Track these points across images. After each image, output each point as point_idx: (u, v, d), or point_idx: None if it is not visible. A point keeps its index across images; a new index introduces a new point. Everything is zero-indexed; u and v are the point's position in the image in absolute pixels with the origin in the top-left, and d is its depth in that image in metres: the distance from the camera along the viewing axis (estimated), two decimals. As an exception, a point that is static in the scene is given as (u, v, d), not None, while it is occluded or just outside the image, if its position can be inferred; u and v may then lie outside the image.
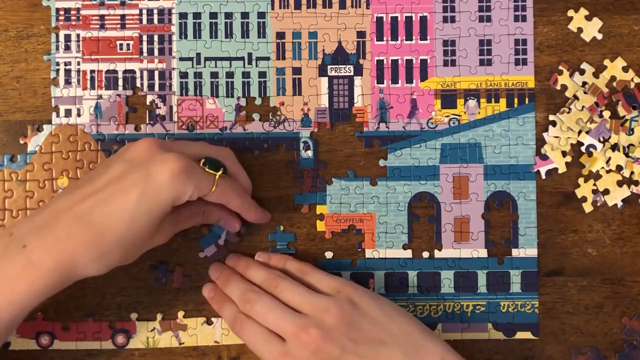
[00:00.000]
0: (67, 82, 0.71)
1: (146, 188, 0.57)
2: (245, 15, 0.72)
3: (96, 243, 0.57)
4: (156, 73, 0.71)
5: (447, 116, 0.71)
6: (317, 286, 0.64)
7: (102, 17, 0.71)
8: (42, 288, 0.57)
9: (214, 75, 0.71)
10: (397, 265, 0.70)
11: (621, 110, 0.71)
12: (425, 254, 0.70)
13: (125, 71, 0.71)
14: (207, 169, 0.60)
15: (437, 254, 0.70)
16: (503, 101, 0.72)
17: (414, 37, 0.72)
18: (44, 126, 0.71)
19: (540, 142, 0.71)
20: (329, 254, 0.70)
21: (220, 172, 0.61)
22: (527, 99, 0.71)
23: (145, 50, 0.72)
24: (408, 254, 0.70)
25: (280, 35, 0.72)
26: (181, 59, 0.72)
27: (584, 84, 0.71)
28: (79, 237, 0.56)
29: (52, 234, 0.56)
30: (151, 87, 0.71)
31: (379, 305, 0.62)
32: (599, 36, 0.72)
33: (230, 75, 0.72)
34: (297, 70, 0.72)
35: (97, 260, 0.57)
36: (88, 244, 0.56)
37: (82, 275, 0.58)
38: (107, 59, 0.71)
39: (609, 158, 0.71)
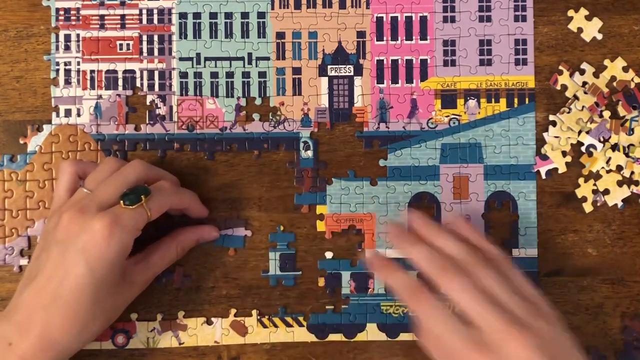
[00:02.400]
0: (67, 82, 0.71)
1: (88, 260, 0.58)
2: (245, 15, 0.72)
3: (72, 323, 0.59)
4: (156, 73, 0.71)
5: (447, 116, 0.71)
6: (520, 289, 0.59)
7: (102, 17, 0.71)
8: None
9: (214, 75, 0.71)
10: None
11: (621, 110, 0.71)
12: (425, 254, 0.70)
13: (125, 71, 0.71)
14: (130, 207, 0.60)
15: (437, 254, 0.70)
16: (503, 101, 0.71)
17: (414, 37, 0.72)
18: (44, 126, 0.71)
19: (540, 142, 0.71)
20: (329, 254, 0.70)
21: (143, 200, 0.60)
22: (527, 99, 0.71)
23: (145, 50, 0.72)
24: (408, 254, 0.70)
25: (280, 35, 0.72)
26: (181, 59, 0.72)
27: (584, 84, 0.71)
28: (55, 324, 0.59)
29: (32, 328, 0.58)
30: (151, 87, 0.71)
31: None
32: (599, 36, 0.72)
33: (230, 75, 0.72)
34: (297, 70, 0.72)
35: (79, 337, 0.60)
36: (65, 326, 0.59)
37: (73, 353, 0.61)
38: (107, 59, 0.71)
39: (609, 158, 0.71)
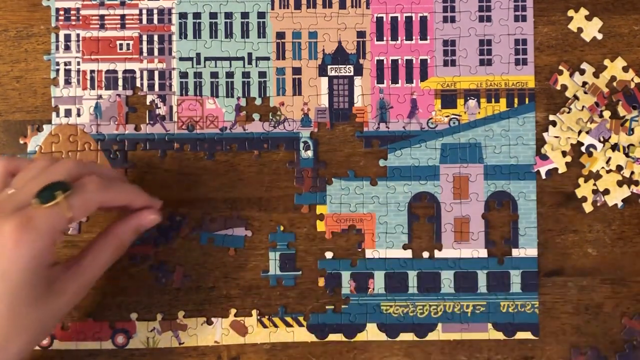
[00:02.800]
0: (67, 82, 0.71)
1: (1, 268, 0.52)
2: (245, 15, 0.72)
3: None
4: (156, 73, 0.71)
5: (447, 116, 0.71)
6: None
7: (102, 17, 0.71)
8: None
9: (214, 75, 0.71)
10: (397, 265, 0.70)
11: (621, 110, 0.71)
12: (425, 254, 0.70)
13: (125, 71, 0.71)
14: (44, 206, 0.53)
15: (437, 254, 0.70)
16: (503, 101, 0.71)
17: (414, 37, 0.72)
18: (44, 126, 0.71)
19: (540, 142, 0.71)
20: (329, 254, 0.70)
21: (60, 196, 0.53)
22: (527, 99, 0.71)
23: (145, 50, 0.72)
24: (408, 254, 0.70)
25: (280, 35, 0.72)
26: (181, 59, 0.72)
27: (584, 84, 0.71)
28: None
29: None
30: (151, 87, 0.71)
31: None
32: (599, 36, 0.72)
33: (230, 75, 0.72)
34: (297, 70, 0.72)
35: (16, 356, 0.53)
36: None
37: None
38: (107, 59, 0.71)
39: (609, 158, 0.71)
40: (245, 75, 0.71)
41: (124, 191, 0.61)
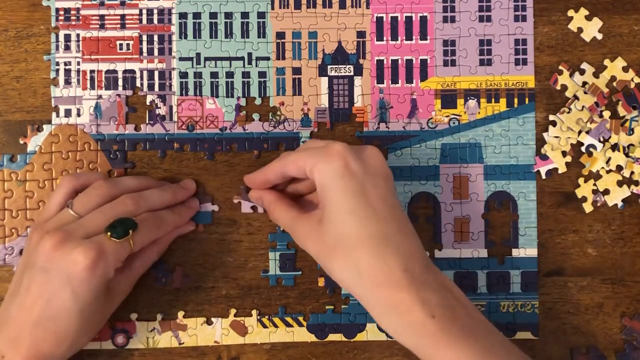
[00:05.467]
0: (67, 82, 0.71)
1: (73, 289, 0.59)
2: (245, 15, 0.72)
3: (61, 338, 0.60)
4: (156, 73, 0.71)
5: (447, 116, 0.71)
6: None
7: (102, 17, 0.71)
8: None
9: (214, 75, 0.71)
10: (397, 265, 0.70)
11: (621, 110, 0.71)
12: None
13: (125, 71, 0.71)
14: (116, 241, 0.60)
15: (437, 254, 0.70)
16: (503, 101, 0.71)
17: (414, 37, 0.72)
18: (44, 126, 0.71)
19: (540, 142, 0.71)
20: (329, 254, 0.70)
21: (130, 234, 0.61)
22: (527, 99, 0.71)
23: (145, 50, 0.72)
24: (408, 254, 0.70)
25: (280, 35, 0.72)
26: (181, 59, 0.71)
27: (584, 84, 0.71)
28: (45, 340, 0.60)
29: (23, 342, 0.59)
30: (151, 87, 0.71)
31: None
32: (599, 36, 0.72)
33: (230, 75, 0.72)
34: (297, 70, 0.72)
35: (69, 349, 0.61)
36: (54, 342, 0.60)
37: None
38: (107, 59, 0.71)
39: (609, 158, 0.71)
40: (245, 75, 0.71)
41: (171, 224, 0.67)
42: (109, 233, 0.60)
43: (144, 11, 0.72)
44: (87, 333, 0.63)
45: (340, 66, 0.72)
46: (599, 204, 0.71)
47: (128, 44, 0.72)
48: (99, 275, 0.59)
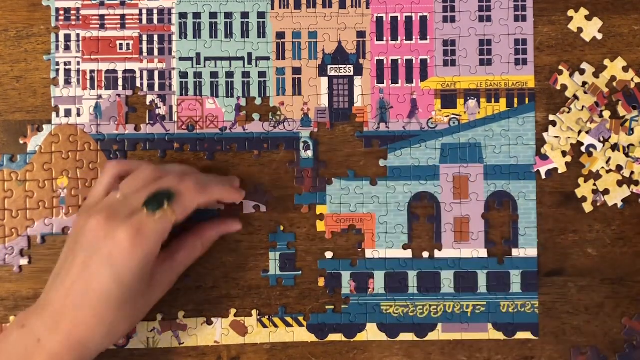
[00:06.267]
0: (67, 82, 0.71)
1: (114, 268, 0.58)
2: (245, 15, 0.72)
3: (99, 324, 0.59)
4: (156, 73, 0.71)
5: (447, 116, 0.71)
6: None
7: (102, 17, 0.71)
8: None
9: (214, 75, 0.71)
10: (397, 265, 0.70)
11: (621, 110, 0.71)
12: (425, 254, 0.70)
13: (125, 71, 0.71)
14: (155, 213, 0.60)
15: (437, 254, 0.70)
16: (503, 101, 0.71)
17: (414, 37, 0.72)
18: (44, 126, 0.71)
19: (540, 142, 0.71)
20: (329, 254, 0.70)
21: (166, 205, 0.60)
22: (527, 99, 0.71)
23: (145, 50, 0.72)
24: (408, 254, 0.70)
25: (280, 35, 0.72)
26: (181, 59, 0.72)
27: (584, 84, 0.71)
28: (83, 324, 0.59)
29: (61, 326, 0.59)
30: (151, 87, 0.71)
31: None
32: (599, 36, 0.72)
33: (230, 75, 0.72)
34: (297, 70, 0.72)
35: (106, 337, 0.60)
36: (93, 326, 0.59)
37: (100, 352, 0.61)
38: (107, 59, 0.71)
39: (609, 158, 0.71)
40: (245, 75, 0.71)
41: (217, 191, 0.65)
42: (144, 208, 0.60)
43: (144, 11, 0.72)
44: (125, 321, 0.61)
45: (340, 66, 0.72)
46: (599, 204, 0.71)
47: (128, 44, 0.72)
48: (140, 252, 0.58)
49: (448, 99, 0.72)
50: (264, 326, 0.70)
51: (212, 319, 0.70)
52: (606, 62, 0.71)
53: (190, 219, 0.63)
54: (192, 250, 0.66)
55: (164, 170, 0.64)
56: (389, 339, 0.70)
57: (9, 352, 0.59)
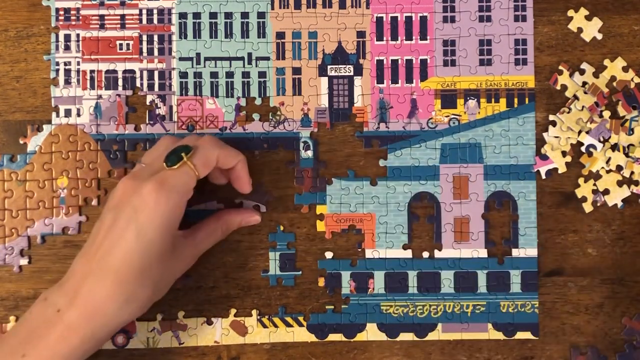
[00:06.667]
0: (67, 82, 0.71)
1: (138, 223, 0.59)
2: (245, 15, 0.72)
3: (118, 290, 0.59)
4: (156, 73, 0.71)
5: (447, 116, 0.71)
6: None
7: (102, 17, 0.71)
8: (80, 352, 0.59)
9: (214, 75, 0.71)
10: (397, 265, 0.70)
11: (621, 110, 0.71)
12: (425, 254, 0.70)
13: (125, 71, 0.71)
14: (174, 168, 0.61)
15: (437, 254, 0.70)
16: (503, 101, 0.71)
17: (414, 37, 0.72)
18: (44, 126, 0.71)
19: (540, 142, 0.71)
20: (329, 254, 0.70)
21: (184, 157, 0.61)
22: (527, 99, 0.71)
23: (145, 50, 0.72)
24: (408, 254, 0.70)
25: (280, 35, 0.72)
26: (181, 59, 0.72)
27: (584, 84, 0.71)
28: (102, 291, 0.59)
29: (79, 296, 0.59)
30: (151, 87, 0.71)
31: None
32: (599, 36, 0.72)
33: (230, 75, 0.72)
34: (297, 70, 0.72)
35: (125, 306, 0.59)
36: (111, 293, 0.59)
37: (120, 325, 0.61)
38: (107, 59, 0.71)
39: (609, 158, 0.71)
40: (245, 75, 0.71)
41: (233, 153, 0.65)
42: (164, 164, 0.61)
43: (144, 11, 0.72)
44: (146, 290, 0.60)
45: (340, 66, 0.72)
46: (599, 204, 0.71)
47: (128, 44, 0.72)
48: (165, 205, 0.59)
49: (448, 99, 0.72)
50: (264, 326, 0.70)
51: (212, 319, 0.70)
52: (606, 62, 0.71)
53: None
54: (212, 232, 0.67)
55: (184, 138, 0.65)
56: (389, 339, 0.70)
57: (30, 322, 0.59)
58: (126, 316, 0.60)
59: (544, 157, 0.71)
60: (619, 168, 0.71)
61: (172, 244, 0.61)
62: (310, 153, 0.71)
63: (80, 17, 0.71)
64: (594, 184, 0.71)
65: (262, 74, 0.72)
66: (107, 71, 0.71)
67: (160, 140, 0.65)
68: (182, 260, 0.64)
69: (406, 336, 0.70)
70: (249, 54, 0.72)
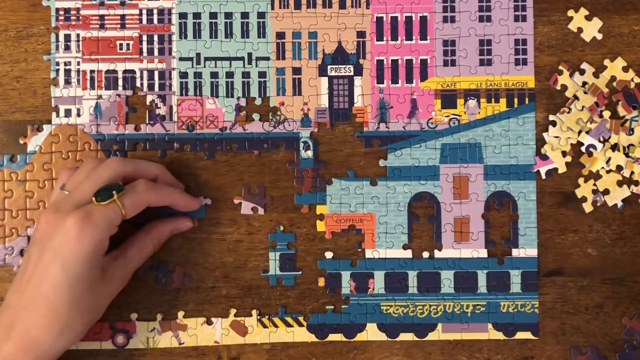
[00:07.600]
0: (67, 82, 0.71)
1: (63, 257, 0.59)
2: (245, 15, 0.72)
3: (53, 320, 0.59)
4: (156, 73, 0.71)
5: (447, 116, 0.71)
6: None
7: (102, 17, 0.71)
8: None
9: (214, 75, 0.71)
10: (397, 265, 0.70)
11: (621, 110, 0.71)
12: (425, 254, 0.70)
13: (125, 71, 0.71)
14: (102, 203, 0.60)
15: (437, 254, 0.70)
16: (503, 101, 0.72)
17: (414, 37, 0.72)
18: (44, 126, 0.71)
19: (540, 142, 0.71)
20: (329, 254, 0.70)
21: (115, 195, 0.61)
22: (527, 99, 0.71)
23: (145, 50, 0.72)
24: (408, 254, 0.70)
25: (280, 35, 0.72)
26: (181, 59, 0.72)
27: (584, 84, 0.71)
28: (36, 323, 0.59)
29: (14, 329, 0.59)
30: (151, 87, 0.71)
31: None
32: (599, 36, 0.72)
33: (230, 75, 0.72)
34: (297, 70, 0.72)
35: (61, 336, 0.60)
36: (45, 326, 0.59)
37: (58, 354, 0.61)
38: (107, 59, 0.71)
39: (609, 158, 0.71)
40: (245, 75, 0.72)
41: (166, 193, 0.66)
42: (94, 198, 0.60)
43: (144, 11, 0.72)
44: (80, 317, 0.60)
45: (340, 66, 0.72)
46: (599, 204, 0.71)
47: (128, 44, 0.72)
48: (89, 238, 0.59)
49: (448, 99, 0.72)
50: (264, 326, 0.70)
51: (212, 319, 0.70)
52: (606, 62, 0.71)
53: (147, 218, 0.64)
54: (142, 247, 0.66)
55: (106, 161, 0.64)
56: (389, 339, 0.70)
57: None
58: (63, 344, 0.60)
59: (544, 157, 0.71)
60: (619, 168, 0.71)
61: (102, 269, 0.61)
62: (310, 153, 0.71)
63: (80, 17, 0.71)
64: (594, 184, 0.71)
65: (262, 74, 0.72)
66: (107, 71, 0.71)
67: (83, 163, 0.65)
68: (114, 282, 0.64)
69: (406, 336, 0.70)
70: (249, 54, 0.72)
